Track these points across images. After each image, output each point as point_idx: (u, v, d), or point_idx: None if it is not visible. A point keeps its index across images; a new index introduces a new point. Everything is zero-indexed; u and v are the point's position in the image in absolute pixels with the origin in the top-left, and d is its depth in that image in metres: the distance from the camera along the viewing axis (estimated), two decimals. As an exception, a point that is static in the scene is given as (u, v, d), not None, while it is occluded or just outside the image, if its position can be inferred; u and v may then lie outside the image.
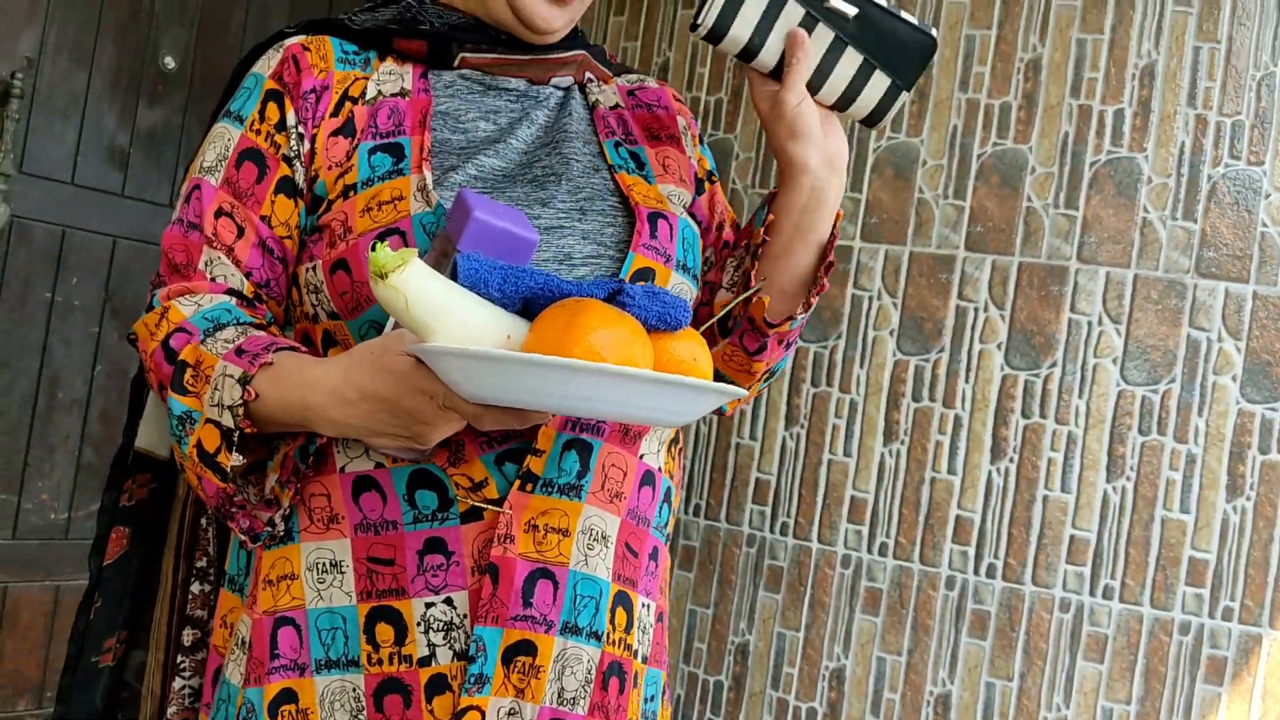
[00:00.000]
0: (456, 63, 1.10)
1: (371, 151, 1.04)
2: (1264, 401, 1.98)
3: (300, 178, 1.04)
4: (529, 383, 0.80)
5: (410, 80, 1.08)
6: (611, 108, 1.17)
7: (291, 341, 0.99)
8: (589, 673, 1.00)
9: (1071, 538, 2.05)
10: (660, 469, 1.09)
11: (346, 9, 2.54)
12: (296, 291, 1.05)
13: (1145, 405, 2.03)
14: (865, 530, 2.18)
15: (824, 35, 1.04)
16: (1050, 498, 2.06)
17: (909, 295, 2.17)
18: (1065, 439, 2.06)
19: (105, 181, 2.32)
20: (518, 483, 0.98)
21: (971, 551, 2.11)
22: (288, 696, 0.99)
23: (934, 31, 1.06)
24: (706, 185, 1.20)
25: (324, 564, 1.00)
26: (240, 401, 0.93)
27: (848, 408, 2.20)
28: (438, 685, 0.97)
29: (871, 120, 1.08)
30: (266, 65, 1.07)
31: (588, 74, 1.18)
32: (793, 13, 1.03)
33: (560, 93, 1.15)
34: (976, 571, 2.10)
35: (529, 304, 0.88)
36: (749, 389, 1.17)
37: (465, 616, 0.97)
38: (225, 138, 1.06)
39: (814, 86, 1.06)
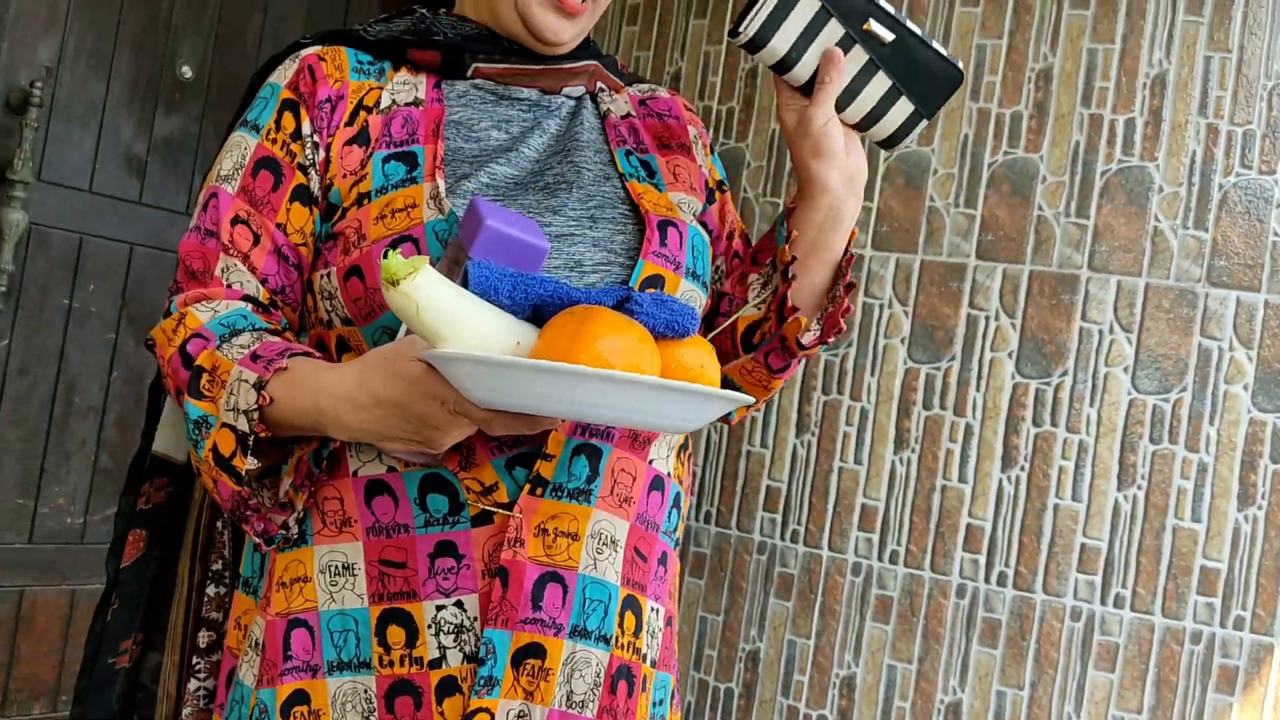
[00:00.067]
0: (469, 73, 1.11)
1: (385, 160, 1.05)
2: (1275, 410, 1.97)
3: (315, 186, 1.05)
4: (537, 388, 0.81)
5: (424, 90, 1.10)
6: (623, 117, 1.18)
7: (306, 347, 1.00)
8: (598, 676, 1.01)
9: (1083, 546, 2.05)
10: (670, 474, 1.09)
11: (362, 19, 2.56)
12: (311, 298, 1.07)
13: (1156, 414, 2.03)
14: (876, 538, 2.18)
15: (858, 56, 1.06)
16: (1061, 506, 2.06)
17: (920, 303, 2.18)
18: (1076, 447, 2.06)
19: (123, 189, 2.34)
20: (528, 487, 0.99)
21: (982, 560, 2.11)
22: (300, 698, 1.00)
23: (960, 64, 1.07)
24: (717, 195, 1.21)
25: (336, 566, 1.01)
26: (255, 406, 0.94)
27: (859, 415, 2.21)
28: (448, 687, 0.98)
29: (889, 143, 1.10)
30: (283, 75, 1.09)
31: (599, 83, 1.19)
32: (833, 31, 1.05)
33: (572, 102, 1.16)
34: (987, 580, 2.10)
35: (539, 311, 0.89)
36: (758, 400, 1.18)
37: (475, 619, 0.98)
38: (242, 146, 1.07)
39: (840, 105, 1.07)
